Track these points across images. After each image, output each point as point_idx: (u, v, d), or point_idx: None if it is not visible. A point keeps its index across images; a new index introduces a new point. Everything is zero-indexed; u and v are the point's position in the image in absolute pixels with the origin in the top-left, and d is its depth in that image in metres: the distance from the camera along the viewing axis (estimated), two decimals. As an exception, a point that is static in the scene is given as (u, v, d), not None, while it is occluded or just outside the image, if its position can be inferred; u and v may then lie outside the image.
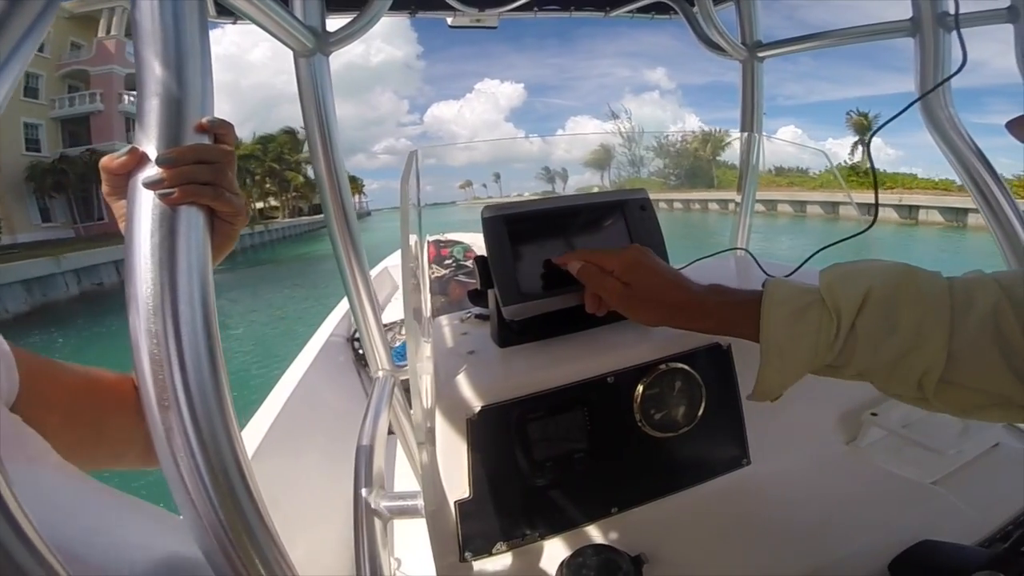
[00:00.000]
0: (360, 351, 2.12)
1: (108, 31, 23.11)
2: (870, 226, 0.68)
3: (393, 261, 3.34)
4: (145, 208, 0.30)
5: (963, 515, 0.58)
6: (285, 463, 1.23)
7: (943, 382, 0.38)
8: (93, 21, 23.13)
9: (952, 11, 0.77)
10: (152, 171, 0.30)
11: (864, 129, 31.69)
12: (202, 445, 0.28)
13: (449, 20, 1.15)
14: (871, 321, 0.40)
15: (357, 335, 2.16)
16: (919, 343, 0.38)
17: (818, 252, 0.72)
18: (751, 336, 0.45)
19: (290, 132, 39.40)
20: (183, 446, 0.28)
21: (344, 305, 2.44)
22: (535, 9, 1.18)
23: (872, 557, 0.52)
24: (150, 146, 0.31)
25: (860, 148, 31.93)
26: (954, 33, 0.78)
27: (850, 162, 30.60)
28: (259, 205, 40.04)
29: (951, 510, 0.58)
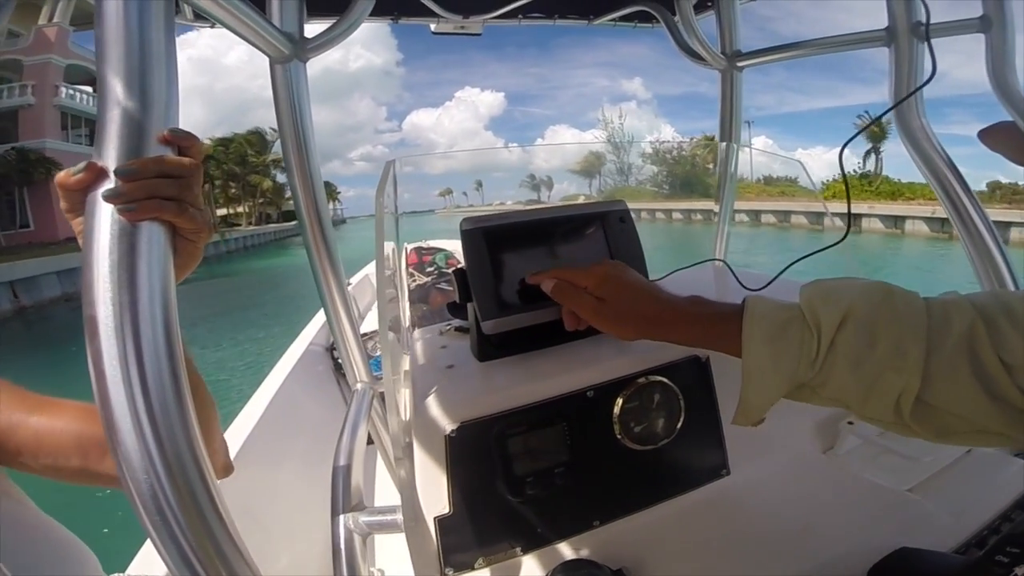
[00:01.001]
0: (339, 360, 2.11)
1: (51, 18, 20.47)
2: (844, 237, 0.70)
3: (374, 268, 3.32)
4: (103, 223, 0.29)
5: (939, 522, 0.58)
6: (264, 474, 1.21)
7: (920, 402, 0.38)
8: (35, 8, 20.49)
9: (924, 21, 0.79)
10: (111, 184, 0.29)
11: (876, 136, 29.31)
12: (167, 468, 0.28)
13: (432, 26, 1.15)
14: (851, 338, 0.40)
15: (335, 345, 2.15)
16: (897, 362, 0.38)
17: (793, 264, 0.72)
18: (730, 350, 0.45)
19: (257, 133, 37.66)
20: (147, 469, 0.27)
21: (322, 313, 2.43)
22: (519, 17, 1.18)
23: (851, 565, 0.52)
24: (110, 157, 0.30)
25: (873, 157, 30.14)
26: (927, 43, 0.80)
27: (860, 170, 29.00)
28: (223, 212, 37.34)
29: (927, 517, 0.59)
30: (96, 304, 0.28)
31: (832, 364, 0.41)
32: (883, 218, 17.37)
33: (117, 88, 0.29)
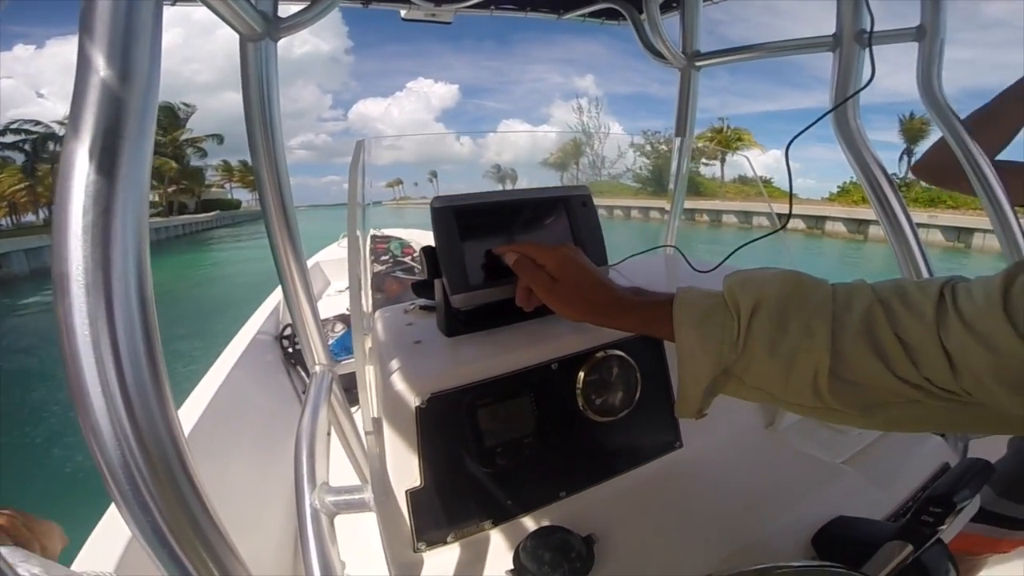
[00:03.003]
0: (289, 349, 2.05)
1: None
2: (781, 227, 0.77)
3: (324, 256, 3.29)
4: (79, 182, 0.28)
5: (870, 492, 0.64)
6: (212, 468, 1.16)
7: (835, 377, 0.41)
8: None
9: (868, 29, 0.84)
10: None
11: (915, 135, 28.96)
12: (137, 433, 0.27)
13: (403, 12, 1.13)
14: (765, 322, 0.43)
15: (287, 333, 2.07)
16: (807, 342, 0.41)
17: (736, 251, 0.79)
18: (666, 335, 0.48)
19: (166, 107, 32.79)
20: (117, 434, 0.26)
21: (270, 301, 2.35)
22: (492, 8, 1.18)
23: (796, 533, 0.56)
24: (87, 125, 0.29)
25: (907, 158, 28.91)
26: (868, 50, 0.86)
27: (899, 175, 25.79)
28: None
29: (860, 487, 0.64)
30: (67, 261, 0.27)
31: (752, 349, 0.43)
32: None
33: (98, 57, 0.29)
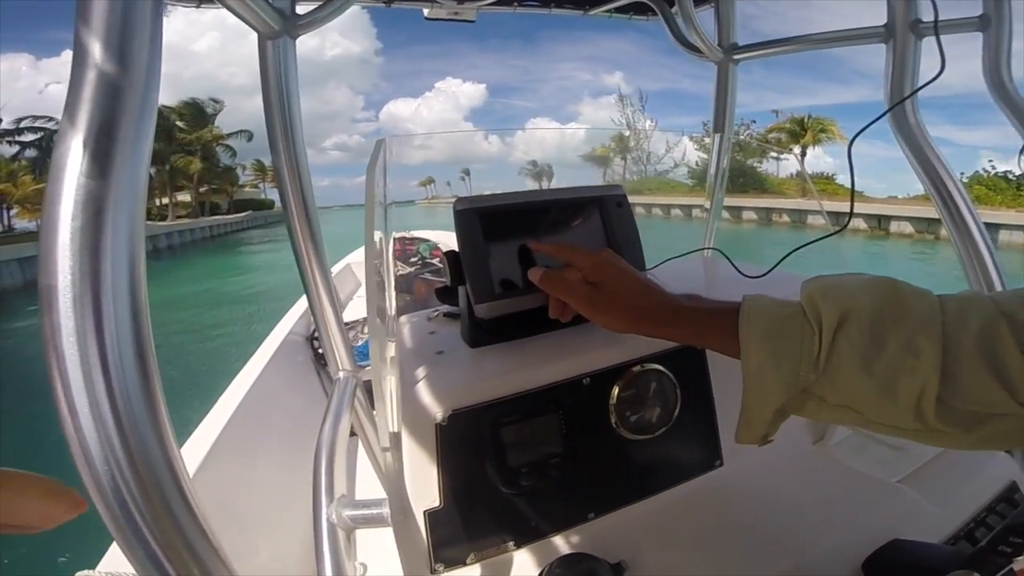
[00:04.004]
0: (320, 350, 2.06)
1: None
2: (843, 228, 0.69)
3: (356, 258, 3.26)
4: (68, 186, 0.26)
5: (928, 513, 0.59)
6: (241, 468, 1.18)
7: (942, 402, 0.36)
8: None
9: (925, 19, 0.79)
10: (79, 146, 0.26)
11: None
12: (129, 458, 0.25)
13: (426, 12, 1.12)
14: (855, 337, 0.38)
15: (317, 334, 2.11)
16: (910, 363, 0.36)
17: (792, 253, 0.71)
18: (725, 348, 0.43)
19: (192, 104, 30.85)
20: (107, 458, 0.25)
21: (303, 303, 2.37)
22: (515, 4, 1.16)
23: (845, 557, 0.52)
24: (81, 122, 0.27)
25: None
26: (925, 40, 0.80)
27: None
28: (165, 201, 30.48)
29: (917, 508, 0.59)
30: (55, 274, 0.25)
31: (837, 366, 0.38)
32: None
33: (94, 51, 0.27)
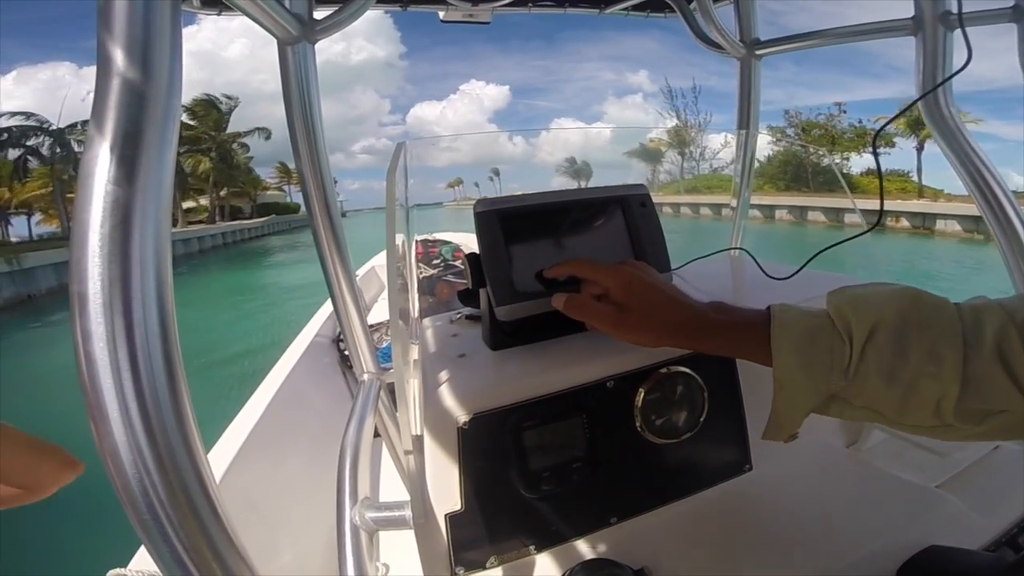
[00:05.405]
0: (346, 352, 2.09)
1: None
2: (872, 228, 0.68)
3: (380, 260, 3.28)
4: (97, 193, 0.27)
5: (968, 519, 0.57)
6: (268, 467, 1.19)
7: (961, 404, 0.38)
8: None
9: (955, 10, 0.76)
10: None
11: None
12: (158, 460, 0.25)
13: (441, 14, 1.13)
14: (883, 348, 0.39)
15: (342, 336, 2.14)
16: (932, 368, 0.38)
17: (820, 253, 0.70)
18: (754, 357, 0.44)
19: (205, 101, 29.20)
20: (135, 462, 0.25)
21: (329, 305, 2.42)
22: (529, 5, 1.16)
23: (880, 563, 0.50)
24: (107, 128, 0.28)
25: None
26: (956, 33, 0.77)
27: None
28: (188, 205, 29.47)
29: (956, 514, 0.57)
30: (85, 280, 0.26)
31: (865, 374, 0.40)
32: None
33: (118, 57, 0.28)
